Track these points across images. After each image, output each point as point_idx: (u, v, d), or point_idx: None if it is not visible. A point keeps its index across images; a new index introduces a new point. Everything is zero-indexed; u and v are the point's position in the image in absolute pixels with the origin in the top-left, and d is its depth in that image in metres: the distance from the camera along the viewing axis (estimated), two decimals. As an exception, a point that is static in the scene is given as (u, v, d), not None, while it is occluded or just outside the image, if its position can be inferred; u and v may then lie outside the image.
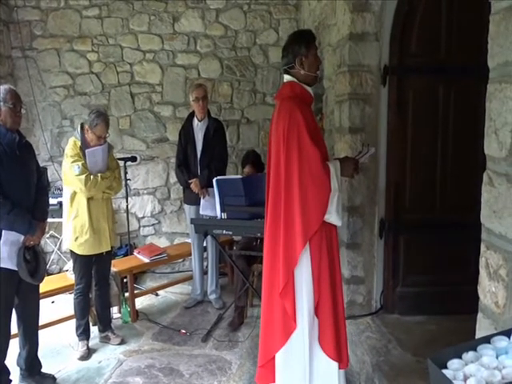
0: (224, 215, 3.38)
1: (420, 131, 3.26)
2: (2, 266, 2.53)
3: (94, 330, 3.44)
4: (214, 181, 3.33)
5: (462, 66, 3.23)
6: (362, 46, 3.22)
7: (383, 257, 3.35)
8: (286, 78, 2.44)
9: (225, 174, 3.99)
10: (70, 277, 3.52)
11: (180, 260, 4.79)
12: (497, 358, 1.17)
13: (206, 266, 4.17)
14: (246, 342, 3.34)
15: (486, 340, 1.24)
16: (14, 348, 2.81)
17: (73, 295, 3.25)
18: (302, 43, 2.37)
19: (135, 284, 4.11)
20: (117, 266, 3.74)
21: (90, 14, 4.76)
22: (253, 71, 4.95)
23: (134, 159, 4.35)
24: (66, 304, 3.75)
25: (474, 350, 1.22)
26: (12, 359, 2.80)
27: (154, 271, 4.76)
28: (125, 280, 3.89)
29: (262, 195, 3.30)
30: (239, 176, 3.50)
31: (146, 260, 3.89)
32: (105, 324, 3.40)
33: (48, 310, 3.64)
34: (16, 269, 2.57)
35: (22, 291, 2.69)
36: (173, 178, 4.90)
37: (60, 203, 4.20)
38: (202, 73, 4.92)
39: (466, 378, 1.12)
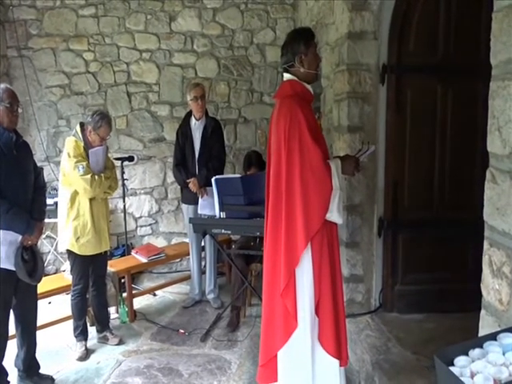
0: (223, 214, 3.37)
1: (418, 130, 3.27)
2: (0, 266, 2.51)
3: (92, 331, 3.42)
4: (213, 180, 3.32)
5: (459, 65, 3.25)
6: (360, 45, 3.22)
7: (382, 255, 3.35)
8: (286, 76, 2.43)
9: (223, 174, 3.99)
10: (66, 277, 3.50)
11: (177, 260, 4.77)
12: (503, 354, 1.17)
13: (204, 266, 4.16)
14: (245, 341, 3.33)
15: (492, 337, 1.24)
16: (12, 349, 2.79)
17: (70, 296, 3.23)
18: (301, 41, 2.36)
19: (133, 284, 4.09)
20: (114, 266, 3.72)
21: (86, 13, 4.73)
22: (250, 70, 4.94)
23: (131, 159, 4.33)
24: (62, 305, 3.72)
25: (481, 347, 1.22)
26: (10, 360, 2.77)
27: (152, 271, 4.74)
28: (122, 280, 3.88)
29: (260, 194, 3.30)
30: (238, 175, 3.49)
31: (144, 260, 3.87)
32: (103, 324, 3.38)
33: (45, 310, 3.61)
34: (14, 269, 2.55)
35: (19, 291, 2.67)
36: (170, 178, 4.89)
37: (56, 203, 4.16)
38: (199, 72, 4.90)
39: (473, 375, 1.12)
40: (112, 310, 3.68)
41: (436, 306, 3.30)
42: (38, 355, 2.91)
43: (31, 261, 2.67)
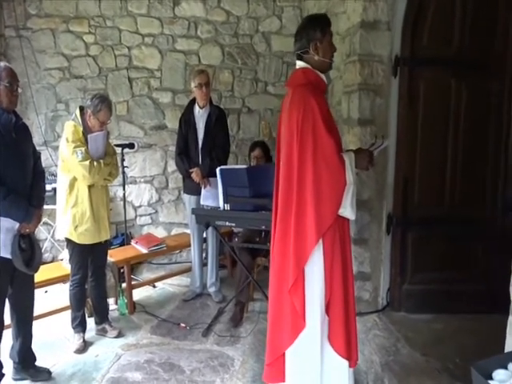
0: (227, 206, 3.27)
1: (431, 125, 3.18)
2: (-3, 254, 2.41)
3: (90, 322, 3.32)
4: (218, 170, 3.22)
5: (474, 59, 3.16)
6: (373, 35, 3.11)
7: (390, 253, 3.28)
8: (299, 63, 2.32)
9: (226, 164, 3.89)
10: (65, 266, 3.40)
11: (177, 251, 4.68)
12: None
13: (205, 258, 4.08)
14: (248, 337, 3.25)
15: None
16: (7, 340, 2.69)
17: (68, 286, 3.13)
18: (317, 27, 2.25)
19: (132, 275, 3.99)
20: (114, 256, 3.63)
21: (87, -6, 4.58)
22: (255, 59, 4.82)
23: (131, 146, 4.21)
24: (60, 294, 3.63)
25: (520, 359, 1.14)
26: (5, 352, 2.68)
27: (151, 262, 4.65)
28: (121, 271, 3.79)
29: (267, 186, 3.22)
30: (244, 166, 3.39)
31: (144, 251, 3.78)
32: (101, 316, 3.30)
33: (42, 300, 3.50)
34: (10, 257, 2.45)
35: (16, 281, 2.57)
36: (171, 167, 4.78)
37: (54, 189, 4.05)
38: (202, 59, 4.78)
39: (514, 390, 1.04)
40: (111, 301, 3.59)
41: (444, 307, 3.23)
42: (34, 347, 2.82)
43: (28, 249, 2.57)
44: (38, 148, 4.22)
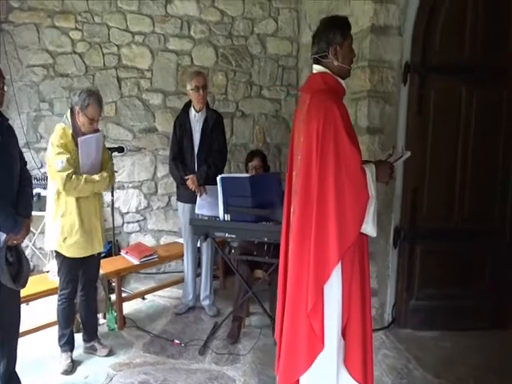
0: (227, 217, 3.10)
1: (441, 135, 3.10)
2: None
3: (77, 338, 3.08)
4: (219, 179, 3.04)
5: (486, 67, 3.09)
6: (383, 40, 3.01)
7: (397, 268, 3.17)
8: (316, 68, 2.18)
9: (223, 171, 3.71)
10: (51, 279, 3.15)
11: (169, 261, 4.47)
12: None
13: (198, 269, 3.88)
14: (248, 355, 3.08)
15: None
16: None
17: (56, 301, 2.89)
18: (337, 30, 2.12)
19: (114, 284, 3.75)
20: (103, 267, 3.36)
21: (74, -12, 4.33)
22: (249, 62, 4.66)
23: (121, 150, 3.97)
24: (44, 308, 3.37)
25: None
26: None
27: (139, 272, 4.41)
28: (110, 283, 3.56)
29: (269, 197, 3.08)
30: (246, 175, 3.22)
31: (136, 262, 3.56)
32: (91, 333, 3.06)
33: (25, 314, 3.24)
34: (-4, 272, 2.21)
35: (1, 297, 2.32)
36: (160, 172, 4.57)
37: (38, 195, 3.80)
38: (195, 60, 4.58)
39: None
40: (99, 315, 3.35)
41: (450, 323, 3.16)
42: (18, 367, 2.57)
43: (16, 263, 2.33)
44: (19, 150, 4.00)
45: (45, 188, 3.57)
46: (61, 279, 2.83)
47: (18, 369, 2.55)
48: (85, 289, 2.96)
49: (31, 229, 4.11)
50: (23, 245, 4.14)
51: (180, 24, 4.53)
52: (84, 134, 2.77)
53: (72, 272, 2.81)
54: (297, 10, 4.65)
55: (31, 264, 4.24)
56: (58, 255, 2.80)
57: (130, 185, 4.56)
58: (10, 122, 4.08)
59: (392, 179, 2.21)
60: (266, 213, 3.06)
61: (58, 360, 2.91)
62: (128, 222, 4.58)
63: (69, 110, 2.83)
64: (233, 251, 3.63)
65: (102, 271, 3.30)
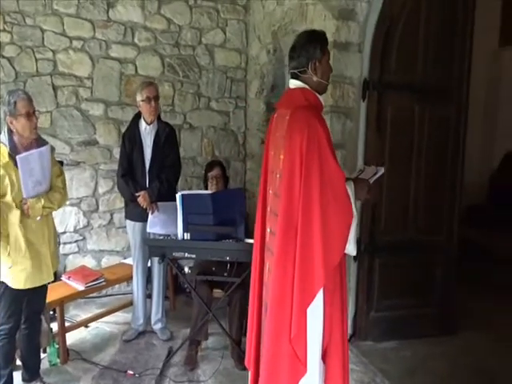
0: (187, 235, 2.92)
1: (397, 151, 3.19)
2: None
3: (16, 376, 2.71)
4: (179, 196, 2.87)
5: (435, 87, 3.23)
6: (345, 56, 3.03)
7: (356, 280, 3.19)
8: (294, 83, 2.13)
9: (176, 187, 3.53)
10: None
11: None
12: None
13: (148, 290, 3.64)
14: (209, 381, 2.90)
15: None
16: None
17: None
18: (317, 45, 2.08)
19: (56, 314, 3.39)
20: (43, 295, 3.04)
21: (2, -15, 3.93)
22: (197, 72, 4.51)
23: (60, 164, 3.62)
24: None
25: None
26: None
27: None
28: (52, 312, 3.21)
29: (231, 214, 2.96)
30: (208, 191, 3.06)
31: (81, 287, 3.23)
32: (33, 371, 2.72)
33: None
34: None
35: None
36: (102, 188, 4.26)
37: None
38: (139, 69, 4.35)
39: None
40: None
41: (407, 332, 3.24)
42: None
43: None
44: None
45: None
46: (1, 313, 2.47)
47: None
48: (28, 322, 2.62)
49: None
50: None
51: (123, 30, 4.28)
52: (28, 149, 2.46)
53: (15, 304, 2.47)
54: (245, 22, 4.59)
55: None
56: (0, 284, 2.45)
57: (68, 202, 4.17)
58: None
59: (369, 197, 2.19)
60: (228, 230, 2.94)
61: (-6, 406, 2.54)
62: (65, 243, 4.19)
63: (5, 128, 2.49)
64: (188, 271, 3.43)
65: (43, 300, 2.96)
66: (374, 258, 3.16)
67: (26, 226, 2.43)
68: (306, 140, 1.94)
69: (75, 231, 4.22)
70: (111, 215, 4.30)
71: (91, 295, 4.11)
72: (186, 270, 3.80)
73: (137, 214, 3.38)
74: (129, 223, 3.49)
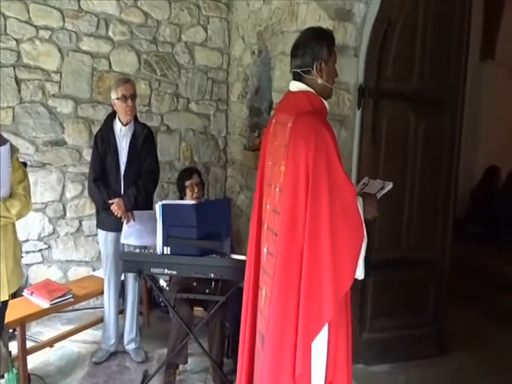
0: (167, 250, 2.66)
1: (391, 163, 3.03)
2: None
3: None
4: (159, 206, 2.60)
5: (430, 97, 3.10)
6: (340, 60, 2.77)
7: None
8: (298, 85, 1.92)
9: (153, 194, 3.25)
10: None
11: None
12: None
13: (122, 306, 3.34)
14: (190, 410, 2.66)
15: None
16: None
17: None
18: (324, 44, 1.88)
19: (15, 332, 3.03)
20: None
21: (-41, -34, 3.54)
22: (176, 71, 4.23)
23: (23, 166, 3.27)
24: None
25: None
26: None
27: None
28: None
29: (217, 227, 2.72)
30: (191, 202, 2.80)
31: (46, 305, 2.90)
32: (-12, 405, 2.39)
33: None
34: None
35: None
36: (70, 192, 3.92)
37: None
38: (114, 65, 4.03)
39: None
40: (-3, 377, 2.66)
41: (400, 354, 3.10)
42: None
43: None
44: None
45: None
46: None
47: None
48: (-18, 348, 2.29)
49: None
50: None
51: (96, 22, 3.95)
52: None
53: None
54: (228, 21, 4.35)
55: None
56: None
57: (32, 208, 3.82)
58: None
59: (377, 215, 2.00)
60: (213, 245, 2.69)
61: None
62: (27, 252, 3.81)
63: None
64: (165, 287, 3.16)
65: None
66: (367, 276, 2.98)
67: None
68: (313, 151, 1.73)
69: (39, 239, 3.85)
70: (80, 222, 3.96)
71: (55, 310, 3.77)
72: (161, 283, 3.54)
73: (110, 223, 3.09)
74: (101, 233, 3.19)
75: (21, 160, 3.32)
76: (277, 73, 3.47)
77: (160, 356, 3.21)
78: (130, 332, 3.23)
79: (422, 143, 3.08)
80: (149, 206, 3.19)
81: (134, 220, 3.05)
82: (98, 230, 3.20)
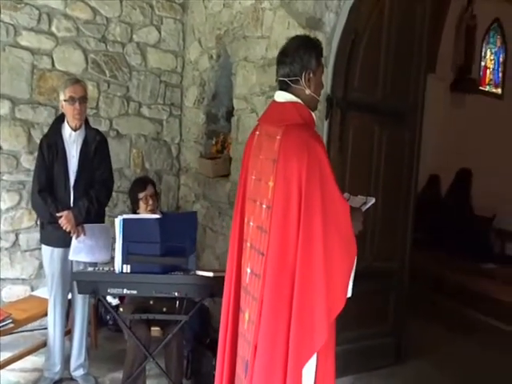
0: (127, 268, 2.43)
1: (357, 174, 3.03)
2: None
3: None
4: (119, 221, 2.36)
5: (392, 110, 3.15)
6: (309, 70, 2.77)
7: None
8: (285, 96, 1.81)
9: (105, 206, 2.99)
10: None
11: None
12: None
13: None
14: None
15: None
16: None
17: None
18: (312, 54, 1.80)
19: None
20: None
21: None
22: (127, 73, 3.97)
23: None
24: None
25: None
26: None
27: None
28: None
29: (182, 242, 2.54)
30: (155, 216, 2.57)
31: (-19, 332, 2.55)
32: None
33: None
34: None
35: None
36: (5, 203, 3.53)
37: None
38: (57, 63, 3.70)
39: None
40: None
41: (360, 365, 3.11)
42: None
43: None
44: None
45: None
46: None
47: None
48: None
49: None
50: None
51: (37, 15, 3.61)
52: None
53: None
54: (182, 23, 4.17)
55: None
56: None
57: (-41, 219, 3.39)
58: None
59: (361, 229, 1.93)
60: (178, 261, 2.51)
61: None
62: (-45, 269, 3.38)
63: None
64: (120, 309, 2.89)
65: None
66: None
67: None
68: (306, 166, 1.63)
69: (-32, 255, 3.43)
70: (16, 236, 3.56)
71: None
72: (110, 299, 3.27)
73: (56, 237, 2.79)
74: (45, 249, 2.86)
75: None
76: (238, 79, 3.36)
77: (111, 381, 2.95)
78: (77, 357, 2.92)
79: (384, 154, 3.11)
80: (100, 218, 2.94)
81: (84, 234, 2.78)
82: (43, 245, 2.88)
